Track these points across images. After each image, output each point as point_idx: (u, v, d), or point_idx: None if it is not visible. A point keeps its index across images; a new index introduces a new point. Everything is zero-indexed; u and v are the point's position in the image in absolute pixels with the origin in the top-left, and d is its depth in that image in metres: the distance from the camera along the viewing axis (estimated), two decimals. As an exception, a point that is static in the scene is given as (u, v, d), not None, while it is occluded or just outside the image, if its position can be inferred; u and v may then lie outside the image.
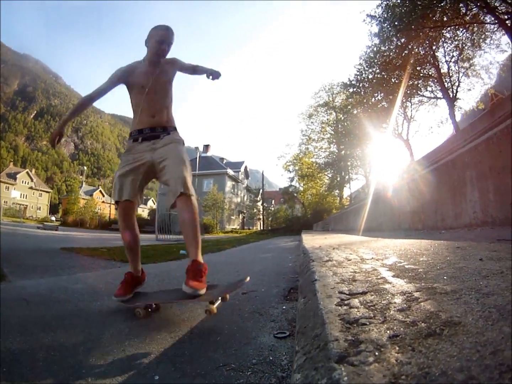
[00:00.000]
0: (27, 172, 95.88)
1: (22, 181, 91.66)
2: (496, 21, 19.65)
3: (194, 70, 2.74)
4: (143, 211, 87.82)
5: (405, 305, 0.66)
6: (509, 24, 18.78)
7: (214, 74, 2.65)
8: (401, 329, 0.53)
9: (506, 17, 18.89)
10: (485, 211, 4.03)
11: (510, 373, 0.36)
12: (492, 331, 0.48)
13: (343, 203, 45.21)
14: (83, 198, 77.15)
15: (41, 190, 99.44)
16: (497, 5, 19.05)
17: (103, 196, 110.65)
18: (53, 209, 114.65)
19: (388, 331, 0.52)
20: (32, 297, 2.55)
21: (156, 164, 2.37)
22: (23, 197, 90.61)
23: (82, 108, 2.62)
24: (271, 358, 1.38)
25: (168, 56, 2.61)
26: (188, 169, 2.37)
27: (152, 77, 2.48)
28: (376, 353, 0.45)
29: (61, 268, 4.31)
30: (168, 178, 2.31)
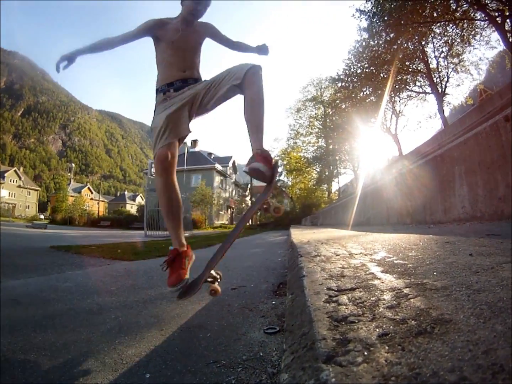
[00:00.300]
0: (15, 171, 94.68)
1: (10, 180, 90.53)
2: (487, 18, 19.82)
3: (234, 45, 2.69)
4: (131, 208, 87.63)
5: (394, 302, 0.65)
6: (499, 21, 18.94)
7: (262, 51, 2.65)
8: (391, 327, 0.51)
9: (496, 14, 19.05)
10: (474, 206, 4.06)
11: (504, 373, 0.35)
12: (484, 329, 0.47)
13: (332, 197, 45.55)
14: (71, 196, 76.77)
15: (29, 189, 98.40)
16: (488, 2, 19.21)
17: (92, 193, 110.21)
18: (41, 207, 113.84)
19: (377, 330, 0.51)
20: (22, 297, 2.51)
21: (201, 92, 2.26)
22: (12, 196, 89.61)
23: (99, 48, 2.49)
24: (261, 354, 1.37)
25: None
26: None
27: (183, 33, 2.41)
28: (365, 353, 0.44)
29: (51, 267, 4.26)
30: (226, 73, 2.17)
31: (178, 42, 2.40)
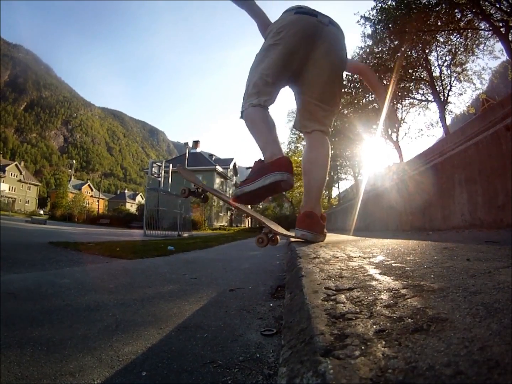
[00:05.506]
0: (16, 165, 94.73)
1: (11, 174, 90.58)
2: (491, 28, 19.89)
3: None
4: (131, 206, 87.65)
5: (391, 301, 0.65)
6: (503, 32, 19.01)
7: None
8: (388, 324, 0.52)
9: (501, 24, 19.12)
10: (473, 213, 4.06)
11: (499, 368, 0.36)
12: (480, 328, 0.48)
13: (332, 202, 45.49)
14: (71, 192, 76.80)
15: (29, 183, 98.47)
16: (493, 12, 19.28)
17: (92, 190, 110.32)
18: (41, 203, 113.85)
19: (374, 326, 0.52)
20: (19, 292, 2.51)
21: None
22: (12, 190, 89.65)
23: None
24: (258, 355, 1.37)
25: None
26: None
27: None
28: (362, 347, 0.45)
29: (49, 262, 4.26)
30: None
31: None
